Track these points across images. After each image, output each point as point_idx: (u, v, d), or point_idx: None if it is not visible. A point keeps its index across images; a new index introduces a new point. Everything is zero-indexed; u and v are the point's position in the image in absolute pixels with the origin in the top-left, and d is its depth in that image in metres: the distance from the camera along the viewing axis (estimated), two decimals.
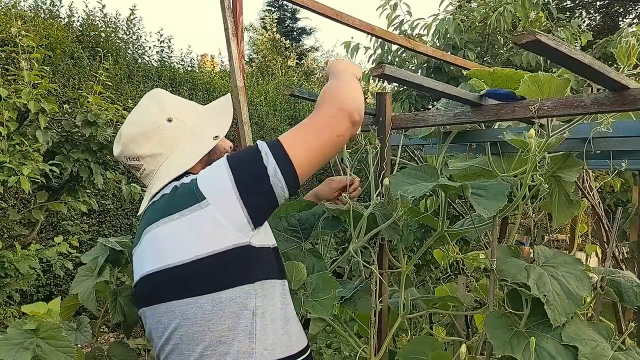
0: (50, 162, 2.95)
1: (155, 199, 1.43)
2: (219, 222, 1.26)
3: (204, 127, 1.51)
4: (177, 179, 1.42)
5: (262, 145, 1.31)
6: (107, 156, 3.30)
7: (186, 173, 1.43)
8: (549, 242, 3.18)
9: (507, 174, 1.97)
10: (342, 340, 4.55)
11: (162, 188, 1.42)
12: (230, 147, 1.58)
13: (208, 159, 1.47)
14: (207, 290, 1.27)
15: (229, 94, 1.63)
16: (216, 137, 1.49)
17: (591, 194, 2.76)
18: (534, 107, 1.48)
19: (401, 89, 6.37)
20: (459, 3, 6.48)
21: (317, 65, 15.83)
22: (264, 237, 1.34)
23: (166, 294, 1.32)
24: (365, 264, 1.71)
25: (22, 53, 2.93)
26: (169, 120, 1.46)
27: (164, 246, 1.32)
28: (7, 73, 3.12)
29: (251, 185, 1.27)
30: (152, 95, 1.54)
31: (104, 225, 5.60)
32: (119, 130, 1.51)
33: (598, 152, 1.81)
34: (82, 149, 3.15)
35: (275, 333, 1.30)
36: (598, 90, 1.45)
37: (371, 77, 6.68)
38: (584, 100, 1.41)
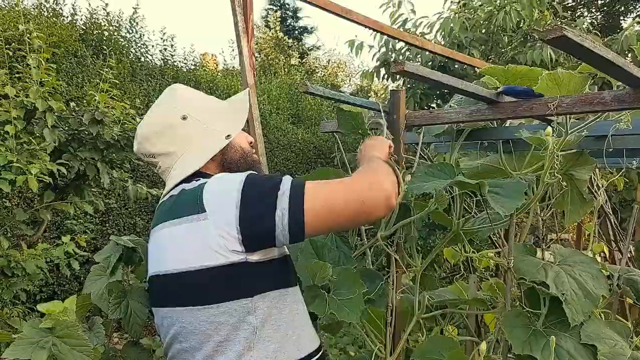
0: (58, 161, 2.93)
1: (165, 198, 1.42)
2: (214, 238, 1.22)
3: (219, 124, 1.47)
4: (189, 178, 1.39)
5: (285, 183, 1.25)
6: (114, 155, 3.28)
7: (199, 172, 1.40)
8: (554, 241, 3.16)
9: (519, 172, 1.96)
10: (351, 339, 4.55)
11: (174, 188, 1.40)
12: (251, 143, 1.55)
13: (222, 158, 1.45)
14: (201, 302, 1.25)
15: (246, 90, 1.60)
16: (228, 136, 1.45)
17: (599, 193, 2.75)
18: (553, 105, 1.46)
19: (405, 87, 6.36)
20: (463, 1, 6.47)
21: (318, 64, 15.83)
22: (268, 251, 1.29)
23: (165, 299, 1.33)
24: (392, 254, 1.69)
25: (30, 52, 2.91)
26: (184, 118, 1.43)
27: (164, 251, 1.32)
28: (13, 71, 3.11)
29: (254, 219, 1.22)
30: (169, 92, 1.51)
31: (107, 225, 5.58)
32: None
33: (611, 149, 1.80)
34: (89, 148, 3.12)
35: (279, 341, 1.28)
36: (618, 87, 1.44)
37: (375, 75, 6.68)
38: (604, 97, 1.39)
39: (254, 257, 1.25)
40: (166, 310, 1.31)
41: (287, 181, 1.26)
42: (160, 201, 1.45)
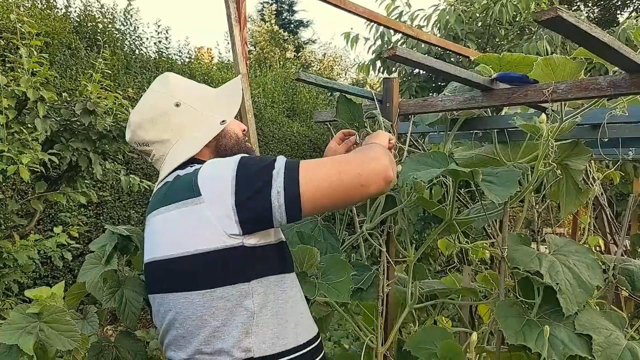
0: (50, 151, 2.90)
1: (159, 186, 1.41)
2: (210, 222, 1.20)
3: (212, 111, 1.46)
4: (184, 165, 1.37)
5: (279, 162, 1.23)
6: (106, 146, 3.25)
7: (193, 159, 1.39)
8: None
9: (515, 161, 1.94)
10: (345, 332, 4.54)
11: (168, 175, 1.39)
12: (243, 131, 1.53)
13: (216, 144, 1.44)
14: (197, 287, 1.23)
15: (238, 77, 1.58)
16: (223, 121, 1.44)
17: (594, 185, 2.74)
18: (548, 90, 1.44)
19: (400, 80, 6.33)
20: None
21: (314, 57, 15.79)
22: (264, 235, 1.27)
23: (160, 285, 1.31)
24: (377, 246, 1.68)
25: (21, 40, 2.88)
26: (177, 105, 1.41)
27: (158, 237, 1.31)
28: (5, 60, 3.08)
29: (250, 199, 1.20)
30: (161, 79, 1.49)
31: (101, 217, 5.55)
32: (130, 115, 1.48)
33: (606, 139, 1.78)
34: (82, 138, 3.09)
35: (276, 327, 1.27)
36: (614, 72, 1.42)
37: (371, 69, 6.65)
38: (599, 83, 1.37)
39: (251, 241, 1.23)
40: (161, 296, 1.30)
41: (280, 160, 1.25)
42: (155, 189, 1.44)
